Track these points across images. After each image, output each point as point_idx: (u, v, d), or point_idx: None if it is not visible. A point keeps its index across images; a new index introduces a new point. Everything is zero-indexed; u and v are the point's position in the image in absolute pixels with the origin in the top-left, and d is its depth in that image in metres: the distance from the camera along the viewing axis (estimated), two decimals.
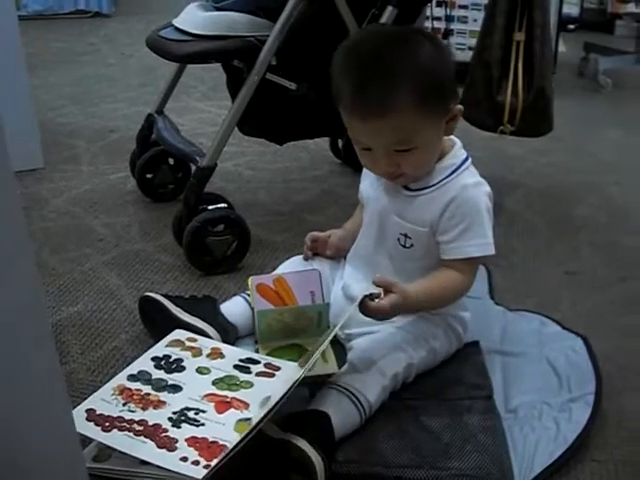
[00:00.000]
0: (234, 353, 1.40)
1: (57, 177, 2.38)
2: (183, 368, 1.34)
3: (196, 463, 1.10)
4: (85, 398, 1.24)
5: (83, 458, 1.07)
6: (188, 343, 1.41)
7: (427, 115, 1.23)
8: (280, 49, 1.74)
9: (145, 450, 1.13)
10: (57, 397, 0.83)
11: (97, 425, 1.17)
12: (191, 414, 1.21)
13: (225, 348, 1.41)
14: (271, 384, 1.29)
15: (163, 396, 1.26)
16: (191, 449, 1.13)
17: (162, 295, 1.49)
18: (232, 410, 1.23)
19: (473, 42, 3.24)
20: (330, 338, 1.23)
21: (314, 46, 1.79)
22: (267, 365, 1.36)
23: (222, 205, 1.80)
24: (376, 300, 1.22)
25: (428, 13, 2.84)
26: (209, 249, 1.74)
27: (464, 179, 1.32)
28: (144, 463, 1.12)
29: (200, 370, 1.34)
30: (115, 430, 1.17)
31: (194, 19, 1.80)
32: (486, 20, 1.91)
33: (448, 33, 3.45)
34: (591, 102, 3.47)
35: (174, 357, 1.36)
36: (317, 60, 1.82)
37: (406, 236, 1.35)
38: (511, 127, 1.83)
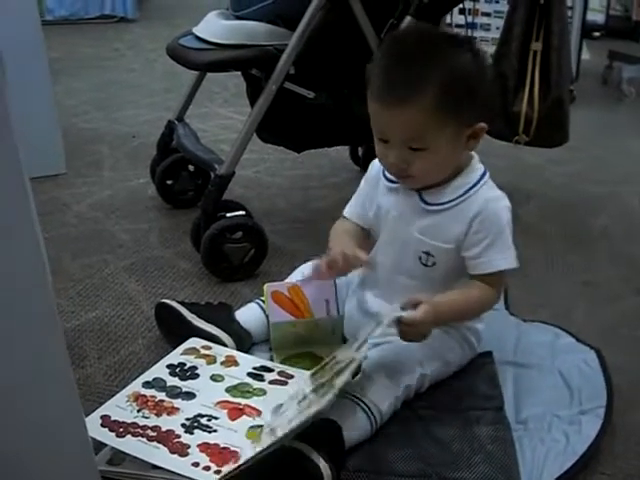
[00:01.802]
0: (248, 361, 1.41)
1: (79, 182, 2.41)
2: (197, 375, 1.36)
3: (207, 468, 1.12)
4: (101, 402, 1.27)
5: (94, 460, 1.09)
6: (203, 351, 1.43)
7: (445, 118, 1.22)
8: (298, 58, 1.75)
9: (158, 455, 1.15)
10: (68, 400, 0.85)
11: (111, 431, 1.20)
12: (204, 420, 1.24)
13: (239, 356, 1.43)
14: (284, 392, 1.31)
15: (177, 403, 1.28)
16: (203, 455, 1.15)
17: (178, 302, 1.51)
18: (244, 417, 1.25)
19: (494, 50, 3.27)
20: (353, 368, 1.21)
21: (332, 55, 1.81)
22: (280, 373, 1.38)
23: (240, 213, 1.82)
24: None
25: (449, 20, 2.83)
26: (226, 256, 1.76)
27: (485, 193, 1.32)
28: (156, 467, 1.15)
29: (214, 377, 1.36)
30: (129, 436, 1.19)
31: (214, 28, 1.82)
32: (504, 29, 1.91)
33: None
34: (613, 111, 3.44)
35: (189, 365, 1.38)
36: (335, 69, 1.86)
37: (428, 254, 1.33)
38: (526, 137, 1.83)
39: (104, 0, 5.34)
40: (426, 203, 1.33)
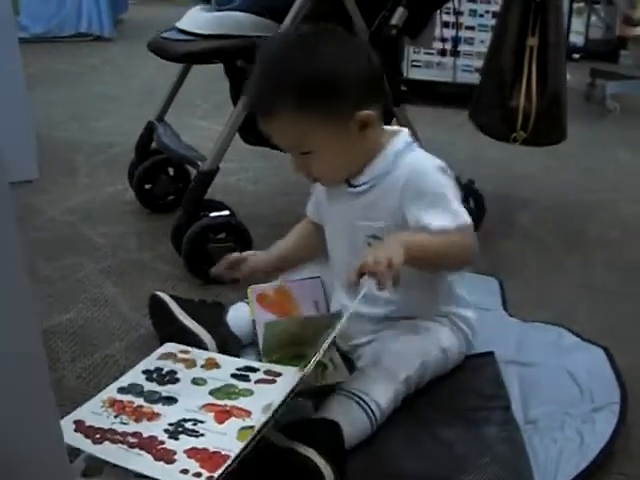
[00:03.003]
0: (230, 363, 1.31)
1: (52, 188, 2.31)
2: (177, 380, 1.25)
3: (198, 475, 1.01)
4: (75, 406, 1.16)
5: (72, 470, 0.99)
6: (181, 355, 1.32)
7: (315, 119, 1.17)
8: None
9: (141, 463, 1.04)
10: (44, 407, 0.80)
11: (87, 437, 1.09)
12: (189, 425, 1.12)
13: (220, 358, 1.32)
14: (273, 390, 1.21)
15: (157, 408, 1.17)
16: (191, 461, 1.04)
17: (170, 296, 1.42)
18: (233, 419, 1.14)
19: (480, 64, 3.22)
20: (333, 337, 1.14)
21: None
22: (267, 372, 1.28)
23: (224, 212, 1.73)
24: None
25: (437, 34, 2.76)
26: (210, 257, 1.66)
27: (411, 160, 1.24)
28: (139, 477, 1.03)
29: (196, 381, 1.25)
30: (107, 442, 1.08)
31: (197, 20, 1.75)
32: (498, 25, 1.86)
33: (455, 54, 3.42)
34: (599, 126, 3.44)
35: (167, 369, 1.28)
36: None
37: (375, 237, 1.25)
38: (524, 134, 1.77)
39: (80, 18, 5.29)
40: (351, 186, 1.27)
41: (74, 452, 1.07)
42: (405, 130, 1.31)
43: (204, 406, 1.17)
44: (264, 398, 1.19)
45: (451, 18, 2.67)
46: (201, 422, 1.13)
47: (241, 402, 1.19)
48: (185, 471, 1.01)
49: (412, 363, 1.21)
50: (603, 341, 1.44)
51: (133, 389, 1.21)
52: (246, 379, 1.25)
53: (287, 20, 1.67)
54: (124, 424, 1.12)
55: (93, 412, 1.15)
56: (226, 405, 1.18)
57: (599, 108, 3.63)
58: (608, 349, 1.39)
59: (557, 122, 1.82)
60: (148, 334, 1.48)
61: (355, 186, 1.27)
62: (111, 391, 1.21)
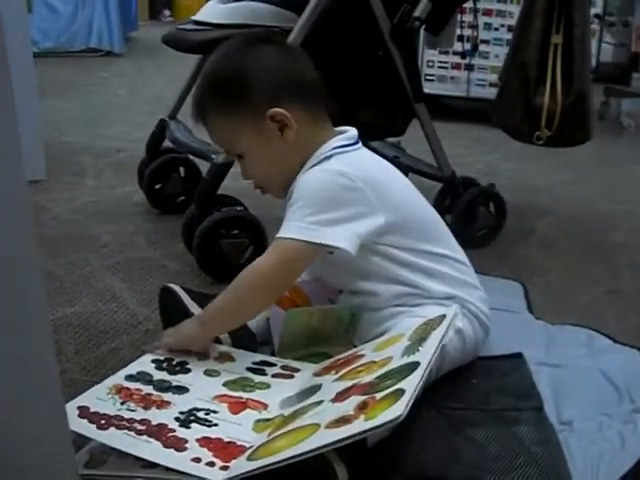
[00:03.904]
0: (246, 357, 1.24)
1: (59, 188, 2.26)
2: (188, 370, 1.18)
3: (211, 464, 0.94)
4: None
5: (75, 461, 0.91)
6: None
7: (234, 118, 1.21)
8: (305, 42, 1.62)
9: (150, 450, 0.96)
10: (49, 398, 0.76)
11: (91, 423, 1.01)
12: (201, 414, 1.05)
13: (235, 352, 1.25)
14: (290, 385, 1.14)
15: (167, 397, 1.09)
16: (204, 449, 0.97)
17: (182, 287, 1.36)
18: (248, 410, 1.07)
19: (494, 78, 3.18)
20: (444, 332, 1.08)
21: (341, 40, 1.69)
22: (284, 367, 1.21)
23: (238, 208, 1.66)
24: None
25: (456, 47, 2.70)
26: (222, 253, 1.59)
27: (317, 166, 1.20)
28: (146, 467, 0.96)
29: (209, 372, 1.18)
30: (113, 428, 1.00)
31: (213, 11, 1.71)
32: (521, 20, 1.79)
33: (469, 68, 3.39)
34: (615, 143, 3.39)
35: (177, 360, 1.20)
36: (344, 55, 1.73)
37: None
38: (548, 132, 1.70)
39: (91, 33, 5.27)
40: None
41: (77, 443, 0.99)
42: (349, 132, 1.25)
43: (217, 397, 1.10)
44: (281, 392, 1.12)
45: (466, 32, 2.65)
46: (214, 412, 1.06)
47: (257, 395, 1.12)
48: (197, 459, 0.94)
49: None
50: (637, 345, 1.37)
51: (142, 377, 1.14)
52: (262, 373, 1.19)
53: (307, 9, 1.62)
54: (131, 411, 1.05)
55: (98, 398, 1.07)
56: (241, 397, 1.11)
57: (614, 126, 3.59)
58: None
59: (583, 121, 1.76)
60: (155, 329, 1.42)
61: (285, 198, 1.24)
62: (118, 378, 1.13)
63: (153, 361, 1.20)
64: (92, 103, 3.62)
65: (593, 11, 4.70)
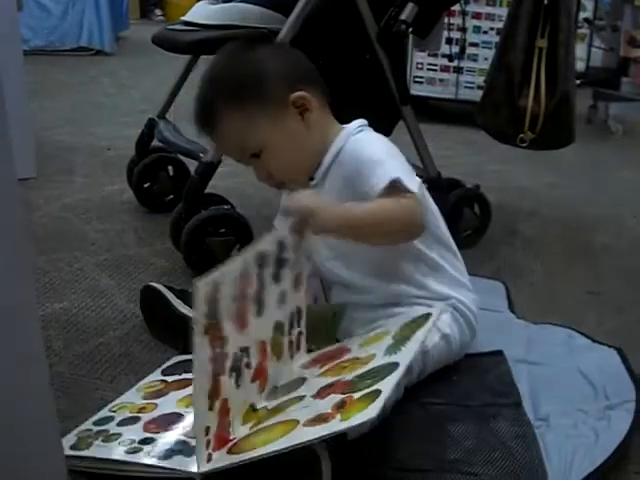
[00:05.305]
0: None
1: (49, 186, 2.27)
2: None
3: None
4: (64, 391, 1.17)
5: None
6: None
7: (253, 111, 1.18)
8: (292, 43, 1.64)
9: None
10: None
11: None
12: None
13: None
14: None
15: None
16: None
17: (165, 286, 1.38)
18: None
19: (482, 80, 3.20)
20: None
21: (328, 42, 1.71)
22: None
23: (225, 206, 1.68)
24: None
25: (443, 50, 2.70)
26: (209, 250, 1.61)
27: (353, 141, 1.22)
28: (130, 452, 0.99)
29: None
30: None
31: (203, 11, 1.73)
32: (508, 23, 1.82)
33: (458, 71, 3.41)
34: (602, 147, 3.41)
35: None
36: (331, 57, 1.75)
37: None
38: (532, 134, 1.73)
39: (81, 32, 5.27)
40: (312, 180, 1.25)
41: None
42: (352, 125, 1.26)
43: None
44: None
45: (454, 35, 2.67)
46: None
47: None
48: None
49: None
50: (615, 345, 1.39)
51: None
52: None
53: (295, 11, 1.64)
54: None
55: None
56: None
57: (601, 130, 3.62)
58: (621, 349, 1.34)
59: (566, 124, 1.78)
60: (144, 325, 1.43)
61: (313, 179, 1.24)
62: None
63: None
64: (82, 102, 3.62)
65: (583, 15, 4.76)
